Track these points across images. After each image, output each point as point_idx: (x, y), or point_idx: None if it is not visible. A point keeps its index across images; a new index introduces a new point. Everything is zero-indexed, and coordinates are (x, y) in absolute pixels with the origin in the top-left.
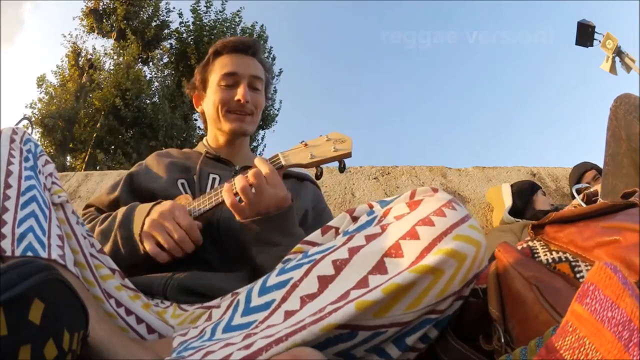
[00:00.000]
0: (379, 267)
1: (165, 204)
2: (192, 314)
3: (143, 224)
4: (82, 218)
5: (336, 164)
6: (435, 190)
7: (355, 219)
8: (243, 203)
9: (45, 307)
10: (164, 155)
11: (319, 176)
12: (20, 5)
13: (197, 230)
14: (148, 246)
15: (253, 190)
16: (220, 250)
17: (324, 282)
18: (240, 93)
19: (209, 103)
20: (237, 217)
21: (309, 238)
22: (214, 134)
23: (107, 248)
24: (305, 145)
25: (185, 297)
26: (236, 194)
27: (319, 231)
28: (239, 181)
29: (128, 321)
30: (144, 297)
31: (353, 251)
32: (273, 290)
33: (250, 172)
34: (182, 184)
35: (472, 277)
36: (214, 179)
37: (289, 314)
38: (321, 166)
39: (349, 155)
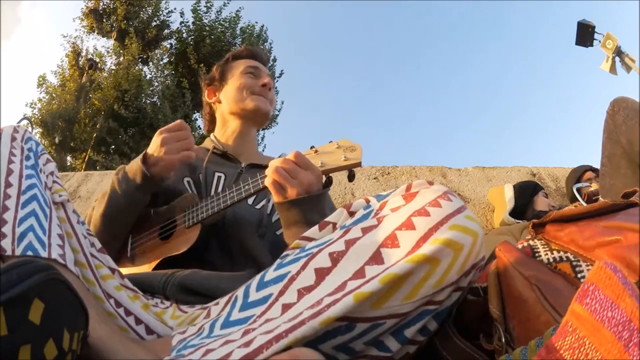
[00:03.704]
0: (376, 258)
1: (151, 144)
2: (192, 315)
3: (148, 158)
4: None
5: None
6: (431, 183)
7: (352, 214)
8: (285, 177)
9: (45, 307)
10: None
11: (328, 184)
12: (17, 5)
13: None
14: (169, 157)
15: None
16: (224, 249)
17: (321, 274)
18: (266, 79)
19: (231, 89)
20: (276, 198)
21: (306, 234)
22: (226, 124)
23: (102, 205)
24: (316, 151)
25: (185, 296)
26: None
27: (316, 227)
28: (271, 166)
29: (127, 321)
30: (143, 298)
31: (349, 243)
32: (270, 284)
33: (279, 159)
34: (188, 182)
35: (469, 267)
36: (219, 177)
37: (286, 307)
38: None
39: (359, 164)
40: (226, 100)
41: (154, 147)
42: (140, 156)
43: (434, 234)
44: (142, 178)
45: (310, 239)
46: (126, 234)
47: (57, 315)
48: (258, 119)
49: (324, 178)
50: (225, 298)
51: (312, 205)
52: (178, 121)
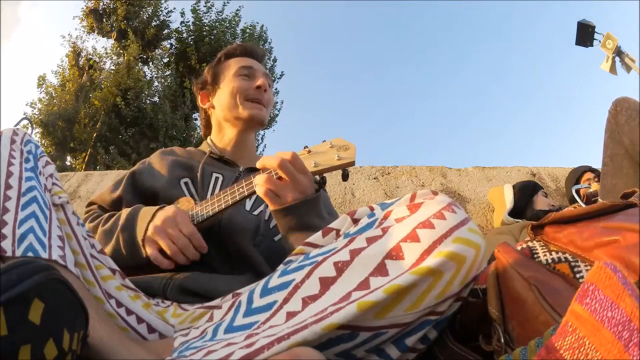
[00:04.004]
0: (380, 269)
1: (169, 210)
2: (193, 313)
3: (146, 229)
4: (85, 215)
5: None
6: (435, 193)
7: (356, 221)
8: (280, 185)
9: (45, 307)
10: (168, 154)
11: (322, 184)
12: (17, 5)
13: (200, 238)
14: (150, 251)
15: (285, 176)
16: (222, 254)
17: (326, 283)
18: (260, 81)
19: (224, 93)
20: (272, 207)
21: (310, 240)
22: (222, 131)
23: (108, 249)
24: (309, 152)
25: (185, 297)
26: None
27: (319, 233)
28: (259, 178)
29: (129, 321)
30: (144, 297)
31: (354, 253)
32: (275, 291)
33: (275, 163)
34: (186, 184)
35: (471, 279)
36: (216, 178)
37: (290, 315)
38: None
39: (352, 163)
40: (220, 107)
41: (162, 219)
42: (152, 211)
43: (438, 247)
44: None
45: (313, 245)
46: None
47: (57, 315)
48: (253, 126)
49: (318, 178)
50: (229, 302)
51: (309, 209)
52: (197, 232)
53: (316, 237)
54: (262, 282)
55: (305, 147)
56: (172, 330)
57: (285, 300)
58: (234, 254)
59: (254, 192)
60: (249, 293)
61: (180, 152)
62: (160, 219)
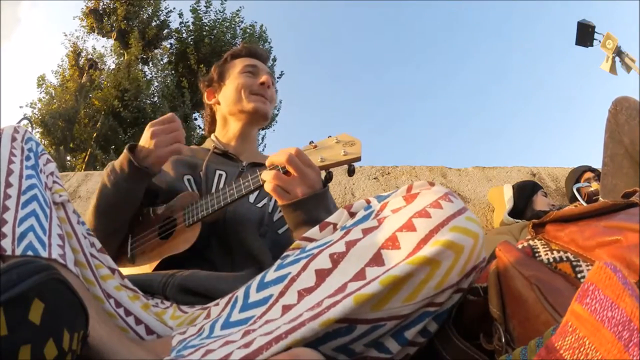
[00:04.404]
0: (376, 259)
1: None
2: (191, 315)
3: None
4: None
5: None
6: (431, 184)
7: (352, 215)
8: (287, 180)
9: (45, 307)
10: None
11: (328, 179)
12: (17, 5)
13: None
14: (158, 150)
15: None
16: (225, 250)
17: (321, 275)
18: (264, 77)
19: (229, 89)
20: (280, 202)
21: (307, 234)
22: (227, 125)
23: (94, 200)
24: (315, 147)
25: (185, 297)
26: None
27: (317, 227)
28: (267, 174)
29: (127, 321)
30: (143, 298)
31: (350, 244)
32: (271, 285)
33: (284, 158)
34: (188, 180)
35: (470, 269)
36: (220, 175)
37: (286, 308)
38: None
39: (358, 159)
40: (225, 102)
41: (145, 140)
42: (127, 147)
43: (434, 236)
44: (129, 167)
45: (310, 240)
46: (123, 231)
47: (57, 315)
48: (257, 119)
49: (324, 173)
50: (226, 299)
51: (318, 203)
52: (169, 114)
53: (313, 231)
54: (259, 276)
55: (311, 143)
56: (170, 332)
57: (281, 294)
58: (237, 247)
59: (260, 187)
60: (246, 288)
61: (184, 150)
62: (143, 141)
